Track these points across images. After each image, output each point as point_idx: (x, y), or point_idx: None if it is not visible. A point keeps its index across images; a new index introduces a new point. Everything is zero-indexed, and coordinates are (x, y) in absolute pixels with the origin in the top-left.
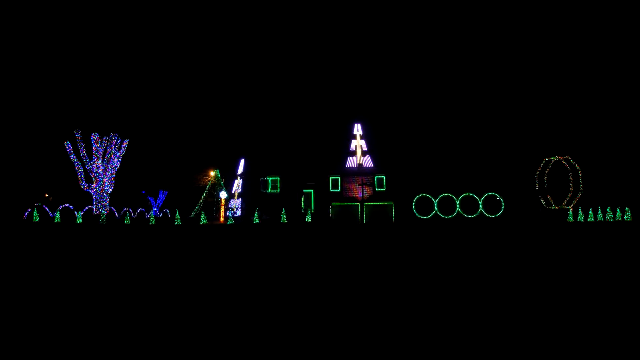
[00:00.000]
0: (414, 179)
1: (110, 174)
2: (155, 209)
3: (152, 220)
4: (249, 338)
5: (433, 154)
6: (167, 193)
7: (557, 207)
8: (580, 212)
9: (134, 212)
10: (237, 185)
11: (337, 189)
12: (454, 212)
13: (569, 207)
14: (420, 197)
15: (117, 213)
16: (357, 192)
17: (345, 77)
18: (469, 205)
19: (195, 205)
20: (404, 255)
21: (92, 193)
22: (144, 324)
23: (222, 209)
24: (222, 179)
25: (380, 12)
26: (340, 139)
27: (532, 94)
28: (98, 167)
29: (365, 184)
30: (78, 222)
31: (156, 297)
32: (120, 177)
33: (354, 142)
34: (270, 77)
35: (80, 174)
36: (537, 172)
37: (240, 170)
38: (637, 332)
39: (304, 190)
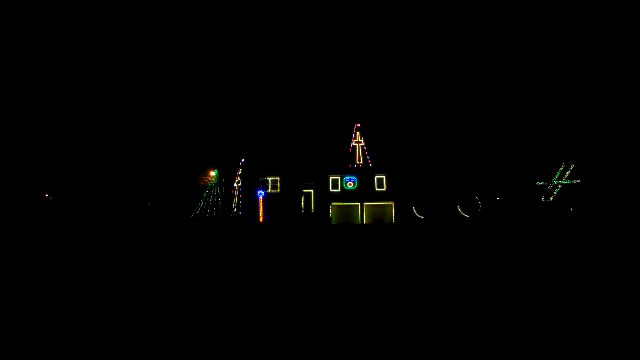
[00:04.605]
0: (414, 179)
1: None
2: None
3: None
4: (249, 337)
5: (433, 154)
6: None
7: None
8: (579, 213)
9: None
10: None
11: (337, 189)
12: (454, 212)
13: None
14: (420, 197)
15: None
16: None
17: (344, 78)
18: (469, 205)
19: (196, 206)
20: (404, 256)
21: None
22: (145, 323)
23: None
24: (222, 179)
25: (381, 11)
26: (340, 139)
27: (531, 94)
28: None
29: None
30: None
31: (157, 297)
32: (120, 176)
33: (353, 142)
34: (269, 77)
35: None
36: (538, 175)
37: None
38: (637, 332)
39: (304, 190)
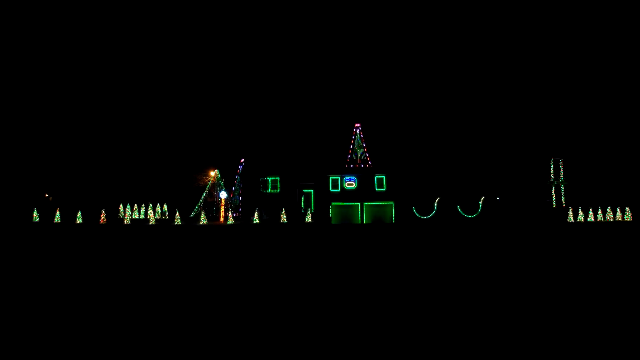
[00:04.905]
0: (414, 179)
1: None
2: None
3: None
4: (249, 337)
5: (433, 153)
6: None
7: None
8: (580, 212)
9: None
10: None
11: (337, 188)
12: (454, 212)
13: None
14: (420, 197)
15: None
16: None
17: (345, 78)
18: (469, 205)
19: (195, 205)
20: (404, 256)
21: None
22: (144, 323)
23: (222, 209)
24: (222, 179)
25: (381, 11)
26: (340, 139)
27: (531, 94)
28: None
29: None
30: (78, 221)
31: (156, 297)
32: (120, 176)
33: (353, 142)
34: (270, 77)
35: None
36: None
37: (240, 170)
38: (637, 332)
39: (304, 190)
